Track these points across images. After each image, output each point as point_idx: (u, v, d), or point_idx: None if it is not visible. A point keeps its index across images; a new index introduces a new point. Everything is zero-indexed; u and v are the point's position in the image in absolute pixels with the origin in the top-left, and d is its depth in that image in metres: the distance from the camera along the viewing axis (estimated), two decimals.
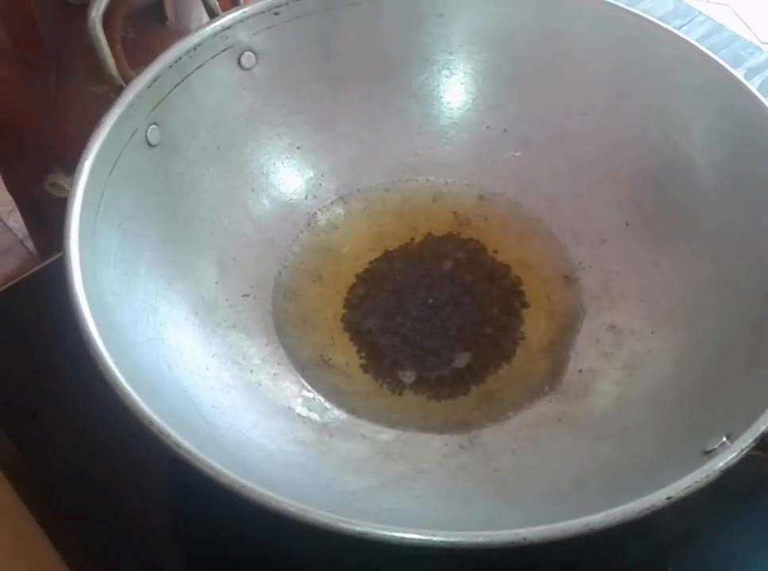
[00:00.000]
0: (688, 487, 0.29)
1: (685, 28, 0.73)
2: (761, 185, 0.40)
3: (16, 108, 0.68)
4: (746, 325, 0.38)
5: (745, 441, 0.30)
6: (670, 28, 0.44)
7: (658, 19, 0.73)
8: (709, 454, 0.32)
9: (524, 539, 0.28)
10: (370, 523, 0.28)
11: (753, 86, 0.68)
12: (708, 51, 0.43)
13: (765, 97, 0.66)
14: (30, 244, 1.11)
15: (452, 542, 0.28)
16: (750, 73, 0.69)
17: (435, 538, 0.28)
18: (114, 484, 0.42)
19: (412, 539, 0.28)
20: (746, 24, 1.59)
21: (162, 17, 0.58)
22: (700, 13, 0.76)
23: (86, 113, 0.41)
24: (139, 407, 0.31)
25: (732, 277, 0.40)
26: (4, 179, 0.79)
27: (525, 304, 0.46)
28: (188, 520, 0.42)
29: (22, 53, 0.65)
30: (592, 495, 0.35)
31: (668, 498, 0.29)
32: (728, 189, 0.42)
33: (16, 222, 1.15)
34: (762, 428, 0.31)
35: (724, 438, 0.32)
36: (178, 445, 0.30)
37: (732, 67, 0.69)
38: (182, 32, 0.53)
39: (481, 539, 0.28)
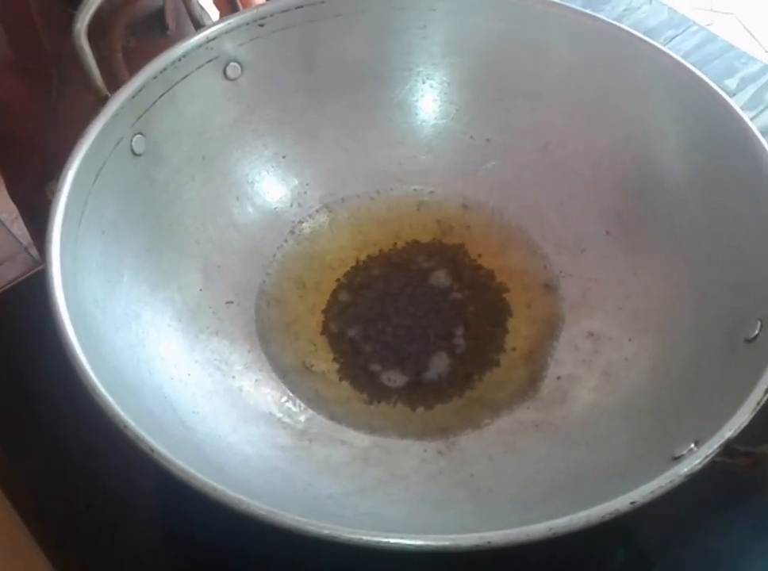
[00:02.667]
0: (652, 492, 0.30)
1: (679, 37, 0.74)
2: (735, 195, 0.40)
3: (18, 116, 0.68)
4: (719, 333, 0.38)
5: (710, 447, 0.31)
6: (647, 39, 0.45)
7: (653, 29, 0.74)
8: (678, 460, 0.32)
9: (489, 543, 0.29)
10: (339, 526, 0.29)
11: (746, 95, 0.69)
12: (685, 63, 0.44)
13: (757, 107, 0.67)
14: (34, 251, 1.12)
15: (420, 546, 0.29)
16: (744, 83, 0.70)
17: (402, 542, 0.29)
18: (99, 491, 0.43)
19: (379, 542, 0.29)
20: (751, 34, 1.59)
21: (163, 26, 0.59)
22: (694, 22, 0.76)
23: (87, 121, 0.42)
24: (114, 411, 0.31)
25: (707, 285, 0.41)
26: (7, 187, 0.80)
27: (509, 313, 0.46)
28: (175, 528, 0.42)
29: (24, 62, 0.66)
30: (565, 500, 0.35)
31: (632, 503, 0.30)
32: (704, 199, 0.42)
33: (20, 229, 1.16)
34: (728, 435, 0.31)
35: (693, 445, 0.33)
36: (151, 449, 0.31)
37: (725, 77, 0.71)
38: None
39: (447, 543, 0.29)
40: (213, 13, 0.66)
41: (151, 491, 0.43)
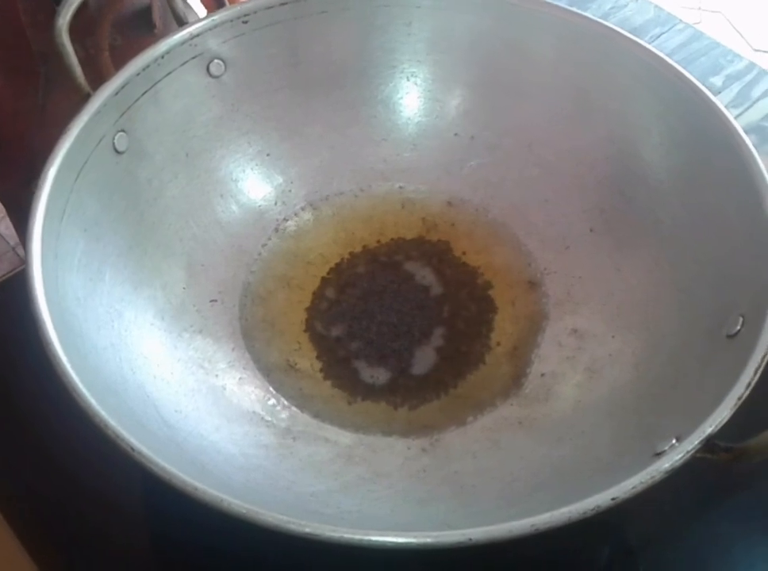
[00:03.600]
0: (633, 488, 0.30)
1: (665, 35, 0.74)
2: (717, 191, 0.41)
3: (4, 115, 0.68)
4: (701, 329, 0.38)
5: (691, 443, 0.31)
6: (631, 36, 0.45)
7: (639, 26, 0.75)
8: (659, 455, 0.32)
9: (471, 540, 0.29)
10: (320, 524, 0.29)
11: (731, 92, 0.69)
12: (669, 60, 0.44)
13: (742, 104, 0.67)
14: (21, 251, 1.11)
15: (401, 543, 0.29)
16: (729, 80, 0.70)
17: (383, 539, 0.29)
18: (84, 491, 0.42)
19: (360, 540, 0.29)
20: (739, 32, 1.60)
21: (150, 24, 0.59)
22: (680, 20, 0.76)
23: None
24: (95, 410, 0.31)
25: (690, 281, 0.41)
26: None
27: (494, 310, 0.46)
28: (161, 528, 0.42)
29: (11, 61, 0.65)
30: (548, 496, 0.35)
31: (613, 499, 0.30)
32: (686, 196, 0.42)
33: (7, 229, 1.16)
34: (708, 431, 0.31)
35: (674, 440, 0.33)
36: (132, 448, 0.31)
37: (711, 74, 0.71)
38: None
39: (429, 540, 0.29)
40: (200, 10, 0.66)
41: (137, 491, 0.42)
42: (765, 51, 1.57)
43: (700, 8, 1.65)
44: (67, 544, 0.42)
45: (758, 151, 0.64)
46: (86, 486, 0.42)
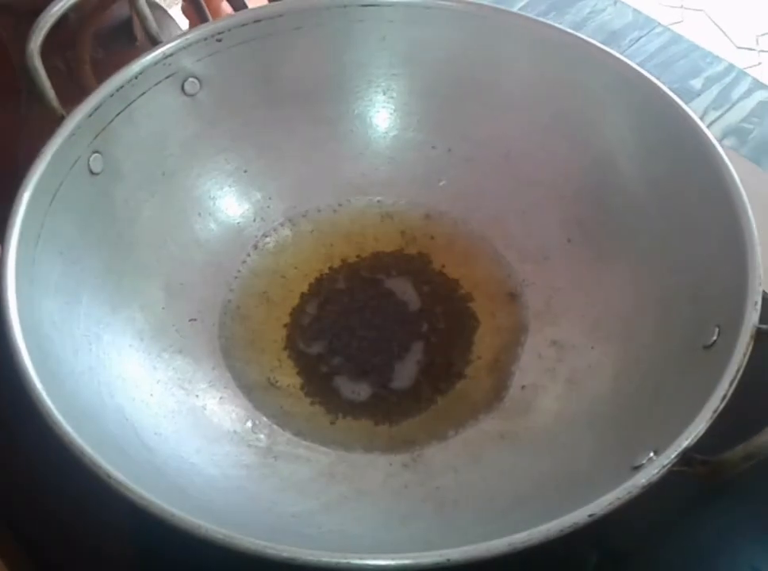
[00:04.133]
0: (610, 504, 0.30)
1: (644, 39, 0.75)
2: (692, 201, 0.41)
3: None
4: (679, 340, 0.39)
5: (668, 457, 0.31)
6: (603, 47, 0.45)
7: (617, 31, 0.75)
8: (637, 469, 0.32)
9: (449, 560, 0.29)
10: (298, 548, 0.29)
11: (711, 94, 0.70)
12: (641, 70, 0.44)
13: (722, 106, 0.67)
14: None
15: (379, 566, 0.29)
16: (709, 82, 0.70)
17: (362, 562, 0.29)
18: (69, 512, 0.42)
19: (338, 563, 0.29)
20: (722, 30, 1.61)
21: (131, 37, 0.58)
22: (659, 23, 0.77)
23: None
24: (70, 437, 0.31)
25: (668, 292, 0.41)
26: None
27: (475, 323, 0.46)
28: (147, 546, 0.42)
29: None
30: (527, 512, 0.35)
31: (590, 515, 0.30)
32: (663, 206, 0.43)
33: None
34: (685, 444, 0.31)
35: (652, 454, 0.33)
36: (108, 475, 0.31)
37: (691, 77, 0.71)
38: None
39: (407, 561, 0.29)
40: (183, 22, 0.66)
41: (122, 511, 0.42)
42: (748, 49, 1.57)
43: (682, 6, 1.66)
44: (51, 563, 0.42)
45: (737, 153, 0.65)
46: (69, 505, 0.42)
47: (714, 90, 0.69)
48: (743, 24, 1.60)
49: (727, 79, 0.70)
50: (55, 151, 0.40)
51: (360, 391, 0.44)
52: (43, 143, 0.40)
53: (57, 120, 0.41)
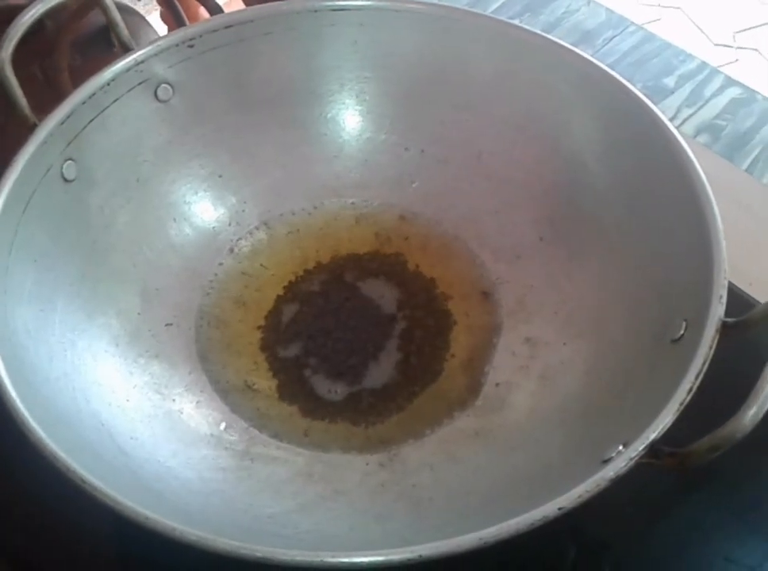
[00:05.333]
0: (579, 496, 0.30)
1: (617, 38, 0.75)
2: (659, 199, 0.41)
3: None
4: (648, 335, 0.39)
5: (635, 450, 0.31)
6: (571, 47, 0.45)
7: (591, 30, 0.76)
8: (606, 462, 0.33)
9: (421, 556, 0.29)
10: (271, 548, 0.29)
11: (684, 92, 0.70)
12: (609, 70, 0.44)
13: (695, 104, 0.68)
14: None
15: (351, 563, 0.29)
16: (682, 80, 0.71)
17: (333, 561, 0.29)
18: (50, 520, 0.42)
19: (312, 562, 0.29)
20: (699, 27, 1.62)
21: (109, 43, 0.58)
22: (632, 23, 0.77)
23: None
24: (44, 443, 0.31)
25: (636, 288, 0.41)
26: None
27: (449, 322, 0.47)
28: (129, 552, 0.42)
29: None
30: (500, 507, 0.36)
31: (560, 508, 0.30)
32: (630, 204, 0.43)
33: None
34: (652, 437, 0.32)
35: (621, 447, 0.33)
36: (82, 480, 0.31)
37: (664, 75, 0.72)
38: None
39: (379, 558, 0.29)
40: (162, 28, 0.66)
41: (103, 517, 0.42)
42: (725, 46, 1.59)
43: (659, 5, 1.67)
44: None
45: (710, 150, 0.65)
46: (51, 513, 0.42)
47: (687, 88, 0.70)
48: (720, 21, 1.61)
49: (700, 77, 0.71)
50: (27, 159, 0.40)
51: (336, 392, 0.44)
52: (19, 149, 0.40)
53: (30, 128, 0.42)
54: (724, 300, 0.35)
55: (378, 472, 0.41)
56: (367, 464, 0.41)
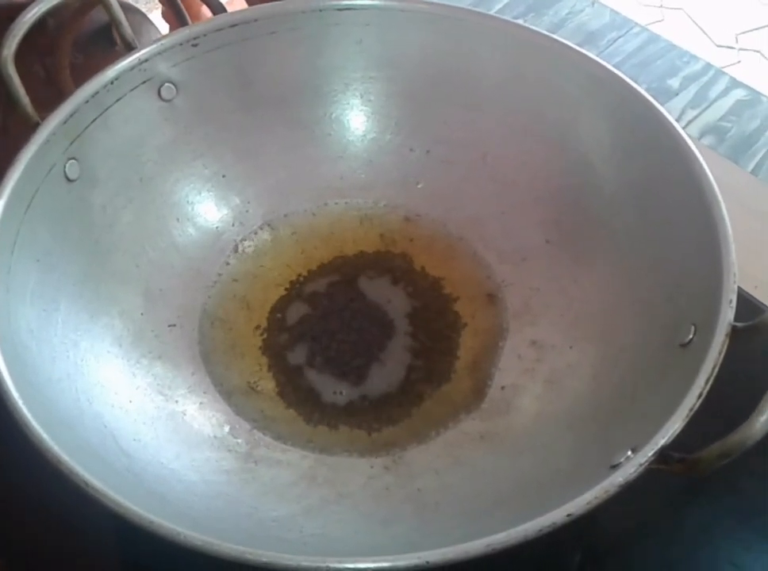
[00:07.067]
0: (588, 503, 0.30)
1: (621, 39, 0.75)
2: (667, 201, 0.41)
3: None
4: (657, 339, 0.39)
5: (645, 455, 0.31)
6: (577, 48, 0.45)
7: (595, 31, 0.75)
8: (615, 468, 0.32)
9: (428, 562, 0.29)
10: (276, 553, 0.29)
11: (689, 94, 0.70)
12: (616, 71, 0.44)
13: (700, 105, 0.68)
14: None
15: (358, 569, 0.29)
16: (686, 81, 0.71)
17: (340, 566, 0.29)
18: (51, 523, 0.42)
19: (318, 567, 0.29)
20: (701, 28, 1.62)
21: (111, 41, 0.58)
22: (636, 24, 0.77)
23: None
24: (47, 446, 0.31)
25: (645, 291, 0.41)
26: None
27: (455, 324, 0.46)
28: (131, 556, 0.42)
29: None
30: (508, 512, 0.36)
31: (568, 515, 0.30)
32: (639, 206, 0.43)
33: None
34: (662, 442, 0.31)
35: (630, 452, 0.33)
36: (86, 483, 0.30)
37: (668, 77, 0.72)
38: None
39: (385, 564, 0.29)
40: (164, 27, 0.65)
41: (106, 520, 0.42)
42: (727, 47, 1.58)
43: (661, 5, 1.67)
44: None
45: (715, 152, 0.65)
46: (51, 515, 0.42)
47: (692, 90, 0.70)
48: (722, 23, 1.61)
49: (705, 78, 0.71)
50: (29, 158, 0.40)
51: (341, 393, 0.44)
52: (20, 148, 0.40)
53: (33, 127, 0.41)
54: (734, 304, 0.35)
55: (382, 475, 0.40)
56: (372, 467, 0.41)
